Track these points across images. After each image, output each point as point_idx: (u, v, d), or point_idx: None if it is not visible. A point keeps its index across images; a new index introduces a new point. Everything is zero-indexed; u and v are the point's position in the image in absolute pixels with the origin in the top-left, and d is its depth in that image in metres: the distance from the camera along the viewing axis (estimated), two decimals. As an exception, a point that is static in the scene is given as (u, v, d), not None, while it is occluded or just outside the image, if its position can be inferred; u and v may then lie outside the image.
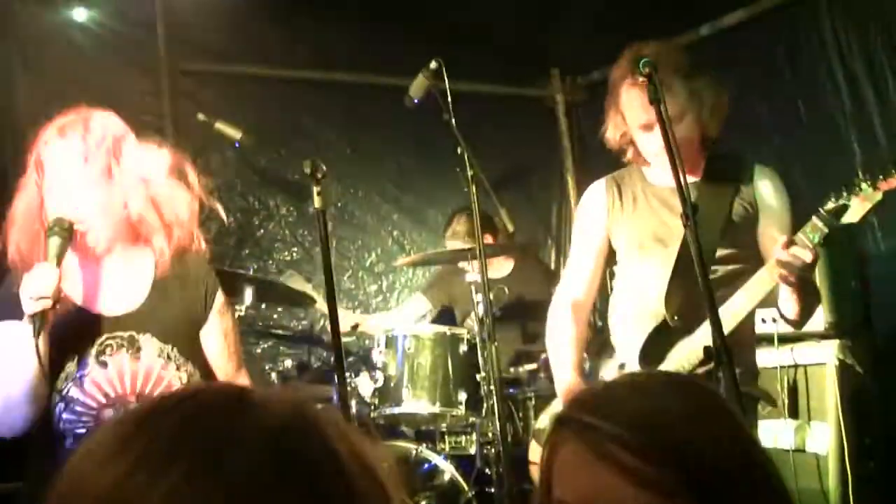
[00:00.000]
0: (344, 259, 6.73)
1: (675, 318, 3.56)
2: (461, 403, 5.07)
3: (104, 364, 3.07)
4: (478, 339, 4.87)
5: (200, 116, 5.89)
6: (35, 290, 2.84)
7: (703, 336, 3.39)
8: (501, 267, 6.31)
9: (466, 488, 5.08)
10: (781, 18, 6.23)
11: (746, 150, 3.80)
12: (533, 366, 5.62)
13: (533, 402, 5.43)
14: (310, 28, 6.95)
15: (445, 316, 6.27)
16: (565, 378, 3.69)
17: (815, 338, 4.96)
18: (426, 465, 5.28)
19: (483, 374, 4.90)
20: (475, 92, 6.83)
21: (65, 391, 3.05)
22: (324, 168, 3.23)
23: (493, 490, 5.04)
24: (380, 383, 5.17)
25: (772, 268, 3.33)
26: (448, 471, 5.17)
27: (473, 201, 3.89)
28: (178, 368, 3.17)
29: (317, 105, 7.01)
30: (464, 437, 5.52)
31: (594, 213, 3.87)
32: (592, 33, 6.60)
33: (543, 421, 3.93)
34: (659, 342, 3.58)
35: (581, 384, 3.59)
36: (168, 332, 3.16)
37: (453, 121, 3.98)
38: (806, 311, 3.51)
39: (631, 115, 3.58)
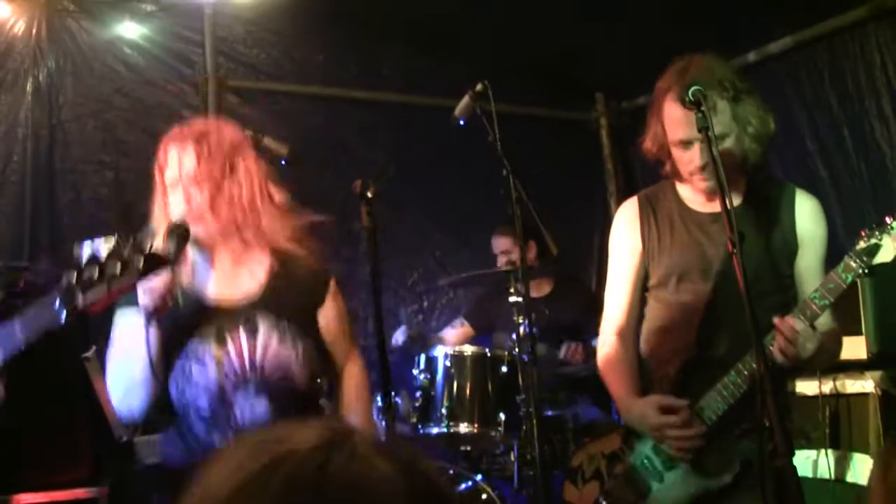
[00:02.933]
0: (385, 278, 6.72)
1: (712, 351, 3.50)
2: (500, 424, 5.07)
3: (224, 344, 3.28)
4: (518, 361, 4.87)
5: (247, 132, 5.93)
6: (150, 285, 3.05)
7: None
8: (542, 287, 6.33)
9: (504, 510, 5.08)
10: (828, 46, 6.21)
11: (790, 178, 3.71)
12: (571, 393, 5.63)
13: (571, 424, 5.43)
14: (356, 48, 7.02)
15: (486, 339, 6.28)
16: (630, 409, 3.59)
17: (858, 368, 4.92)
18: (464, 486, 5.29)
19: (523, 395, 4.88)
20: (520, 114, 6.86)
21: (186, 369, 3.24)
22: (373, 188, 3.26)
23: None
24: (419, 403, 5.19)
25: (804, 305, 3.29)
26: (486, 492, 5.17)
27: (517, 223, 3.88)
28: (293, 342, 3.35)
29: (361, 124, 7.05)
30: (502, 458, 5.52)
31: (628, 235, 3.77)
32: (637, 57, 6.60)
33: (579, 458, 3.86)
34: (695, 377, 3.49)
35: (646, 407, 3.50)
36: (282, 309, 3.35)
37: (498, 143, 3.98)
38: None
39: (671, 128, 3.49)
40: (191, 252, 3.31)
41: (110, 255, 2.70)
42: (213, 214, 3.30)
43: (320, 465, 1.03)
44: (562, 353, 6.04)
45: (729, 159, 3.36)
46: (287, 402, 3.32)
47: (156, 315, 3.12)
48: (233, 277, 3.42)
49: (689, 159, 3.47)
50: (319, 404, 3.51)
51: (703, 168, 3.44)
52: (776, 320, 3.21)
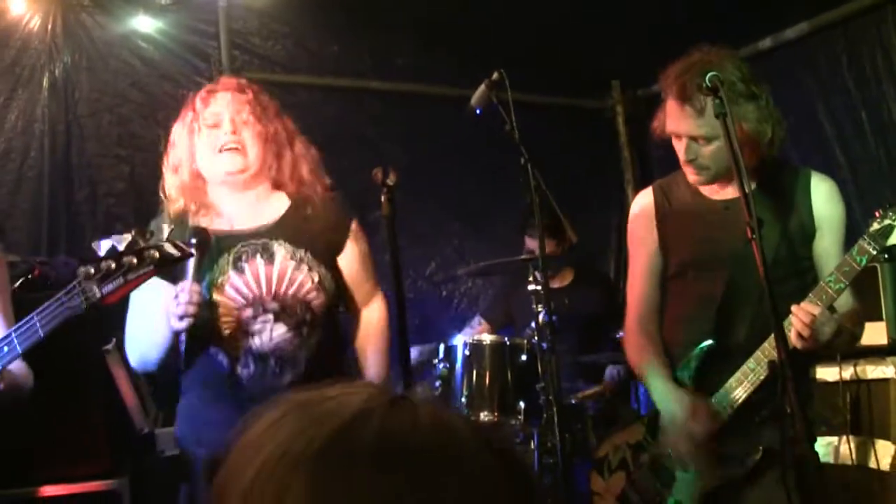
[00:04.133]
0: (403, 268, 6.70)
1: (731, 339, 3.49)
2: (520, 413, 5.06)
3: (241, 269, 3.40)
4: (537, 349, 4.86)
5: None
6: (179, 310, 3.16)
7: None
8: (562, 277, 6.32)
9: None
10: (845, 30, 6.18)
11: (808, 163, 3.68)
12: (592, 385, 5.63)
13: (591, 412, 5.42)
14: (370, 39, 7.01)
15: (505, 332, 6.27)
16: (666, 399, 3.56)
17: (879, 353, 4.89)
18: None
19: (542, 383, 4.87)
20: (536, 103, 6.84)
21: (207, 297, 3.34)
22: (393, 176, 3.27)
23: (550, 501, 5.02)
24: (439, 392, 5.19)
25: (820, 289, 3.28)
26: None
27: (536, 212, 3.87)
28: (310, 270, 3.45)
29: (376, 115, 7.06)
30: (522, 447, 5.51)
31: (644, 226, 3.78)
32: (653, 45, 6.58)
33: (605, 449, 3.86)
34: (715, 365, 3.49)
35: (679, 406, 3.47)
36: (300, 239, 3.47)
37: (515, 131, 3.97)
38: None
39: (669, 119, 3.50)
40: (220, 189, 3.48)
41: (127, 249, 2.78)
42: (257, 148, 3.47)
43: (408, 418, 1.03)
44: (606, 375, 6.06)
45: (743, 146, 3.33)
46: (306, 328, 3.41)
47: (188, 326, 3.20)
48: (254, 211, 3.55)
49: (680, 151, 3.50)
50: (339, 332, 3.58)
51: (689, 162, 3.48)
52: (793, 307, 3.20)
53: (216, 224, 3.45)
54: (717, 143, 3.39)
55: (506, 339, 5.33)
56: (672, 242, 3.71)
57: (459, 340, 5.33)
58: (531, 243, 6.24)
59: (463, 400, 5.13)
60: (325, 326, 3.47)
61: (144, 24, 6.39)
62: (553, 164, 5.84)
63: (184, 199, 3.51)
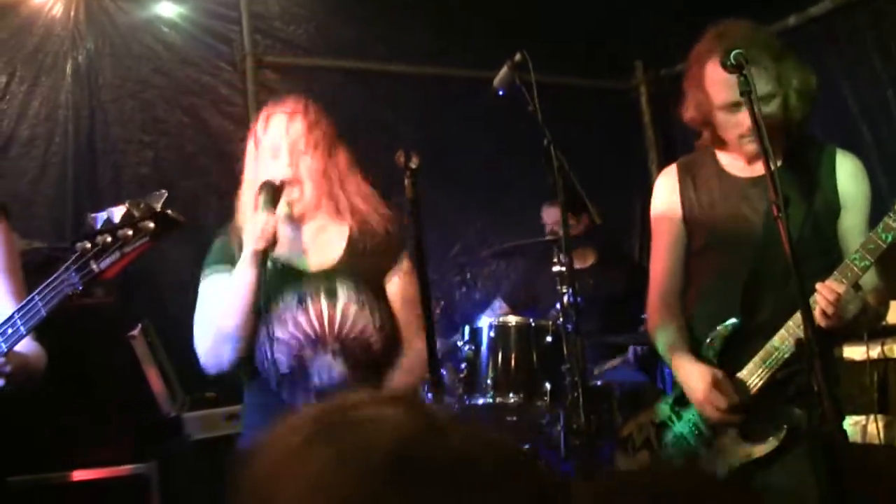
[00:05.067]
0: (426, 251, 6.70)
1: (756, 317, 3.46)
2: (546, 394, 5.07)
3: (305, 309, 3.41)
4: (562, 330, 4.86)
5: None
6: (255, 232, 3.30)
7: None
8: (584, 258, 6.31)
9: (550, 479, 5.07)
10: (869, 6, 6.13)
11: (833, 141, 3.63)
12: (616, 359, 5.61)
13: (617, 393, 5.42)
14: (391, 21, 7.01)
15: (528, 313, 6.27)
16: (685, 374, 3.54)
17: (906, 332, 4.87)
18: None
19: (568, 364, 4.86)
20: (559, 84, 6.82)
21: (271, 332, 3.37)
22: (416, 159, 3.26)
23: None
24: (464, 374, 5.20)
25: (844, 267, 3.24)
26: (532, 462, 5.17)
27: (560, 193, 3.86)
28: (371, 312, 3.47)
29: (398, 98, 7.06)
30: (548, 428, 5.51)
31: (668, 203, 3.75)
32: (676, 25, 6.55)
33: (629, 428, 3.85)
34: (740, 343, 3.46)
35: (700, 380, 3.45)
36: (361, 278, 3.49)
37: (539, 112, 3.96)
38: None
39: (715, 92, 3.43)
40: (280, 223, 3.44)
41: (122, 221, 2.78)
42: (313, 181, 3.48)
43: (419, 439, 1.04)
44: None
45: (774, 121, 3.32)
46: (363, 367, 3.42)
47: (264, 259, 3.31)
48: (317, 246, 3.56)
49: (738, 122, 3.38)
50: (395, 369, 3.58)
51: (752, 130, 3.39)
52: (817, 285, 3.19)
53: (279, 255, 3.47)
54: (775, 101, 3.38)
55: (531, 320, 5.32)
56: (696, 219, 3.68)
57: (485, 322, 5.33)
58: (549, 213, 6.24)
59: (489, 381, 5.14)
60: (382, 365, 3.49)
61: (166, 9, 6.42)
62: (576, 145, 5.82)
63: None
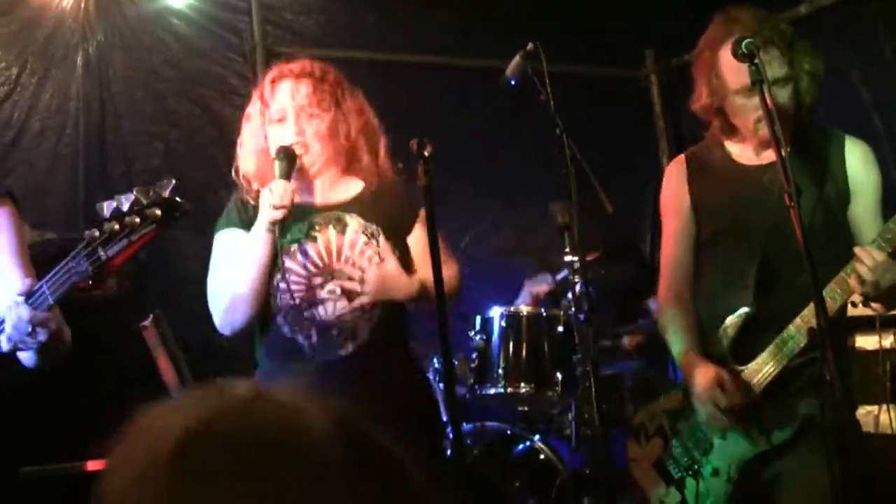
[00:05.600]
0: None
1: (769, 307, 3.46)
2: (557, 384, 5.07)
3: (314, 238, 3.49)
4: (574, 321, 4.85)
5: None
6: (272, 200, 3.32)
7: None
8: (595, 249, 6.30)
9: (562, 469, 5.08)
10: (880, -4, 6.11)
11: (844, 130, 3.61)
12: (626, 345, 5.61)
13: (628, 383, 5.42)
14: (401, 11, 6.99)
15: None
16: (693, 370, 3.50)
17: (920, 321, 4.85)
18: (521, 446, 5.29)
19: (579, 354, 4.86)
20: (569, 73, 6.80)
21: (281, 264, 3.41)
22: (429, 147, 3.26)
23: (588, 471, 5.04)
24: (476, 364, 5.20)
25: (886, 232, 3.21)
26: (543, 452, 5.18)
27: (572, 182, 3.86)
28: (378, 245, 3.50)
29: (409, 88, 7.04)
30: (560, 418, 5.51)
31: (677, 194, 3.76)
32: (687, 13, 6.53)
33: (641, 417, 3.85)
34: (752, 333, 3.46)
35: (711, 370, 3.43)
36: (373, 215, 3.54)
37: (552, 102, 3.96)
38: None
39: (732, 77, 3.40)
40: (294, 180, 3.48)
41: (130, 209, 2.78)
42: (321, 144, 3.51)
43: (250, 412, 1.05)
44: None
45: (786, 106, 3.31)
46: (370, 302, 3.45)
47: (281, 223, 3.35)
48: (327, 191, 3.62)
49: (756, 105, 3.31)
50: (403, 307, 3.61)
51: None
52: (856, 249, 3.18)
53: (296, 207, 3.49)
54: (791, 86, 3.37)
55: (542, 310, 5.32)
56: (705, 208, 3.68)
57: (496, 312, 5.33)
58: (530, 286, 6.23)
59: (500, 371, 5.14)
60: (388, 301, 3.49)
61: (177, 0, 6.41)
62: (588, 134, 5.83)
63: (258, 183, 3.55)
